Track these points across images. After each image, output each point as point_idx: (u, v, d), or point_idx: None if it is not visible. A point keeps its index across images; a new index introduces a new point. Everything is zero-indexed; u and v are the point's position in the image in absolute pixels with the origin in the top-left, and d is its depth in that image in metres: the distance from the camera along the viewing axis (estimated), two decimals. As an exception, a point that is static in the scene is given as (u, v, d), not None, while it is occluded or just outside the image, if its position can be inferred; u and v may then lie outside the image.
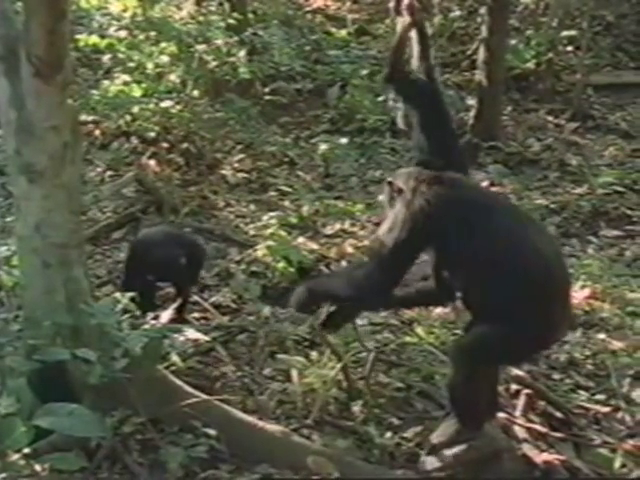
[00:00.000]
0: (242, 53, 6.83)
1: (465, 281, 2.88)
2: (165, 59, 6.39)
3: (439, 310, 4.10)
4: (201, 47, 6.45)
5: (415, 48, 3.15)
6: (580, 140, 7.17)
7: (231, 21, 6.90)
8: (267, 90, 7.65)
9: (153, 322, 3.72)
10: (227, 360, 3.80)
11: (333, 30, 8.96)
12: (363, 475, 2.97)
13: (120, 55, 6.48)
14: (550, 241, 3.04)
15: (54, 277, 3.02)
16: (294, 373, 3.48)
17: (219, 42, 6.55)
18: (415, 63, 3.12)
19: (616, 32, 8.90)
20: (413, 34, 3.16)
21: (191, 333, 3.81)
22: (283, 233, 5.18)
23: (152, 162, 6.26)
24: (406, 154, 6.82)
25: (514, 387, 3.51)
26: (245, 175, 6.44)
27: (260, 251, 4.98)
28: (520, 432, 3.23)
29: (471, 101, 7.27)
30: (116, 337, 2.99)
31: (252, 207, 5.96)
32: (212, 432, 3.05)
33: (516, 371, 3.55)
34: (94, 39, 6.37)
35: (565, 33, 8.10)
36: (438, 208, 2.79)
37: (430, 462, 3.02)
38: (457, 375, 2.93)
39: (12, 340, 3.12)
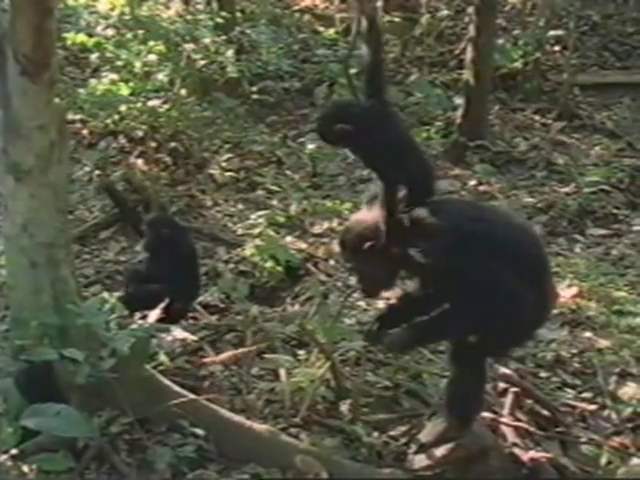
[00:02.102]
0: (230, 52, 6.82)
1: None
2: (153, 58, 6.36)
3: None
4: (189, 46, 6.43)
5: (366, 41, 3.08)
6: (567, 139, 7.20)
7: (219, 20, 6.89)
8: (255, 89, 7.64)
9: (141, 322, 3.71)
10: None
11: (321, 29, 8.97)
12: (351, 474, 2.97)
13: (108, 54, 6.45)
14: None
15: (41, 277, 3.01)
16: (282, 372, 3.49)
17: (207, 41, 6.54)
18: (366, 57, 3.03)
19: (602, 32, 8.95)
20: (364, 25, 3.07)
21: (179, 333, 3.80)
22: (271, 232, 5.18)
23: (140, 161, 6.26)
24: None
25: (501, 385, 3.52)
26: (233, 174, 6.44)
27: (248, 250, 4.98)
28: (507, 430, 3.25)
29: (458, 100, 7.29)
30: (103, 337, 2.99)
31: (240, 206, 5.96)
32: (200, 432, 3.04)
33: (503, 369, 3.56)
34: (81, 37, 6.34)
35: (552, 33, 8.14)
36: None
37: (418, 460, 3.02)
38: (464, 373, 2.94)
39: (-1, 340, 3.11)
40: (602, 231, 5.76)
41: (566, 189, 6.26)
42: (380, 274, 2.88)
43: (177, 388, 3.21)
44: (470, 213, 2.88)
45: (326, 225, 5.53)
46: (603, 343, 3.98)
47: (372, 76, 2.93)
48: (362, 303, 4.34)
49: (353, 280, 4.69)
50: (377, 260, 2.81)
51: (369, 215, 2.85)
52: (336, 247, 2.93)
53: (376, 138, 2.81)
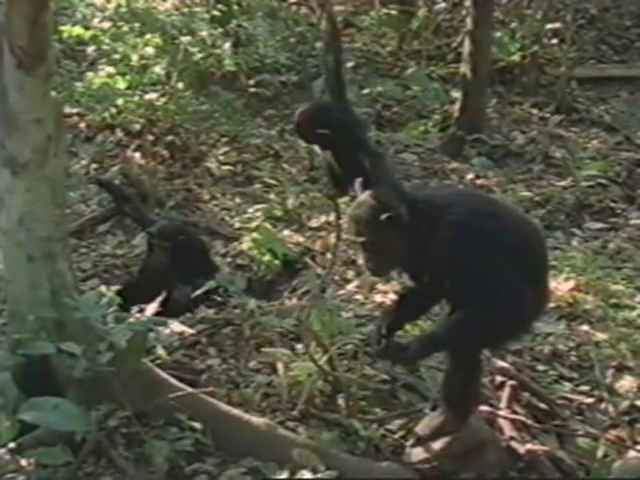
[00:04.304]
0: (227, 45, 6.82)
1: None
2: (150, 51, 6.36)
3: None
4: (186, 39, 6.43)
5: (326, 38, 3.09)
6: (564, 133, 7.21)
7: (216, 13, 6.88)
8: (252, 82, 7.62)
9: (138, 315, 3.71)
10: (212, 353, 3.80)
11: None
12: (348, 467, 2.98)
13: (104, 47, 6.45)
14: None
15: (38, 271, 3.01)
16: (279, 366, 3.49)
17: (204, 34, 6.54)
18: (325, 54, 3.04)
19: (600, 25, 8.95)
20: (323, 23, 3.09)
21: (176, 326, 3.80)
22: (268, 226, 5.18)
23: (137, 155, 6.24)
24: (390, 146, 6.85)
25: (499, 379, 3.53)
26: (230, 168, 6.43)
27: (245, 244, 4.98)
28: (504, 423, 3.25)
29: (456, 94, 7.28)
30: (101, 331, 2.98)
31: (237, 200, 5.95)
32: (197, 425, 3.04)
33: (501, 363, 3.57)
34: (78, 30, 6.33)
35: (549, 26, 8.13)
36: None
37: (415, 454, 3.03)
38: (461, 366, 2.95)
39: (-4, 334, 3.11)
40: (599, 225, 5.77)
41: (563, 183, 6.26)
42: (393, 250, 2.78)
43: (175, 382, 3.21)
44: (484, 208, 2.89)
45: (323, 219, 5.51)
46: (600, 336, 3.98)
47: (337, 76, 2.98)
48: (359, 297, 4.34)
49: (350, 275, 4.72)
50: (391, 235, 2.73)
51: (377, 194, 2.81)
52: (348, 223, 2.81)
53: (350, 139, 2.86)
